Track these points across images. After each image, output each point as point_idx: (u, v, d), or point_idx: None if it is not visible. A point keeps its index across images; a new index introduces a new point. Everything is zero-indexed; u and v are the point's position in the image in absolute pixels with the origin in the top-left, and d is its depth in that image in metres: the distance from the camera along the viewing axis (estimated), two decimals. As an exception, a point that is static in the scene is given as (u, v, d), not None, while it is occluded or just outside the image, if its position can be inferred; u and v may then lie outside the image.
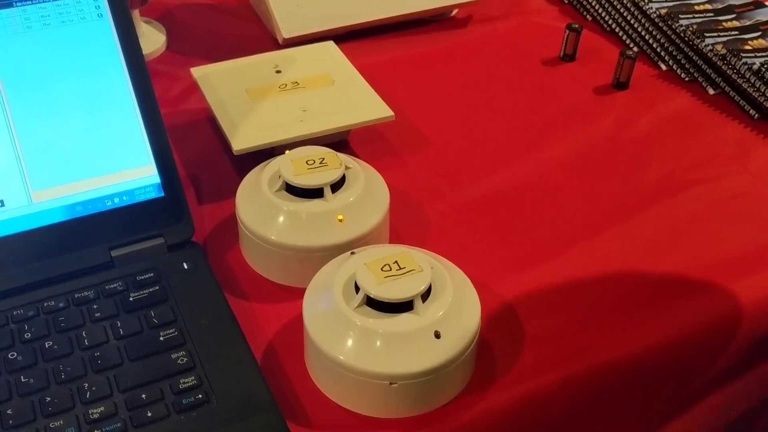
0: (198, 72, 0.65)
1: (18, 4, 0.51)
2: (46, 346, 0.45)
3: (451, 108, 0.69)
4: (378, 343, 0.42)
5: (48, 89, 0.51)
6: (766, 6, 0.78)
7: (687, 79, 0.72)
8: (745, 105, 0.68)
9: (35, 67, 0.51)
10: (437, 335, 0.43)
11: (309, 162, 0.52)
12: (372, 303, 0.44)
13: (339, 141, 0.62)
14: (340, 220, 0.50)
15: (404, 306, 0.43)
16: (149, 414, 0.42)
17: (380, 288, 0.43)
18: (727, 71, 0.68)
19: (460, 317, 0.44)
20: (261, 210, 0.52)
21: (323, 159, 0.53)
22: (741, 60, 0.68)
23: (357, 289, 0.44)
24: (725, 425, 0.53)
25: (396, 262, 0.45)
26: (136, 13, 0.73)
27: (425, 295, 0.44)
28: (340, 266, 0.46)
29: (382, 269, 0.44)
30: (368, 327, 0.43)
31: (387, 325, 0.43)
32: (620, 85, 0.71)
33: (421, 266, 0.44)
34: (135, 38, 0.53)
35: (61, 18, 0.52)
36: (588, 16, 0.81)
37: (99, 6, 0.53)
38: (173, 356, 0.45)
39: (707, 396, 0.52)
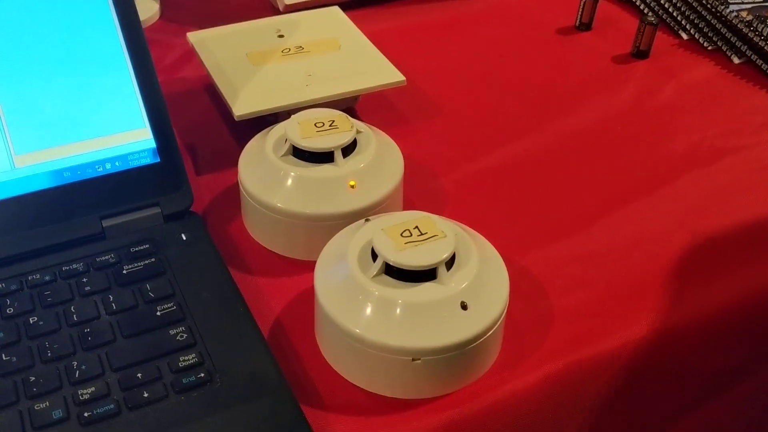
0: (195, 37, 0.60)
1: (0, -48, 0.47)
2: (31, 322, 0.41)
3: (462, 77, 0.65)
4: (398, 314, 0.38)
5: (33, 46, 0.46)
6: (789, -25, 0.75)
7: (710, 48, 0.68)
8: (773, 74, 0.64)
9: (19, 23, 0.46)
10: (464, 306, 0.39)
11: (318, 125, 0.48)
12: (391, 271, 0.39)
13: (346, 109, 0.58)
14: (352, 187, 0.46)
15: (427, 275, 0.39)
16: (145, 395, 0.38)
17: (400, 255, 0.39)
18: (754, 38, 0.65)
19: (488, 288, 0.40)
20: (266, 176, 0.47)
21: (333, 121, 0.48)
22: (768, 26, 0.64)
23: (374, 256, 0.40)
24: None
25: (417, 227, 0.41)
26: (127, -23, 0.68)
27: (449, 263, 0.40)
28: (355, 233, 0.42)
29: (401, 235, 0.40)
30: (388, 297, 0.39)
31: (408, 294, 0.39)
32: (640, 53, 0.67)
33: (444, 232, 0.40)
34: (128, -8, 0.49)
35: (47, -31, 0.48)
36: (603, -14, 0.77)
37: (88, -44, 0.49)
38: (171, 332, 0.41)
39: (749, 372, 0.48)
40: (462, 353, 0.38)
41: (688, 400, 0.48)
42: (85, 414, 0.37)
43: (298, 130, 0.48)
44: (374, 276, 0.39)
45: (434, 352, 0.38)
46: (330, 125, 0.48)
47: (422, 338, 0.38)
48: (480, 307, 0.39)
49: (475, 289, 0.39)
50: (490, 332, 0.39)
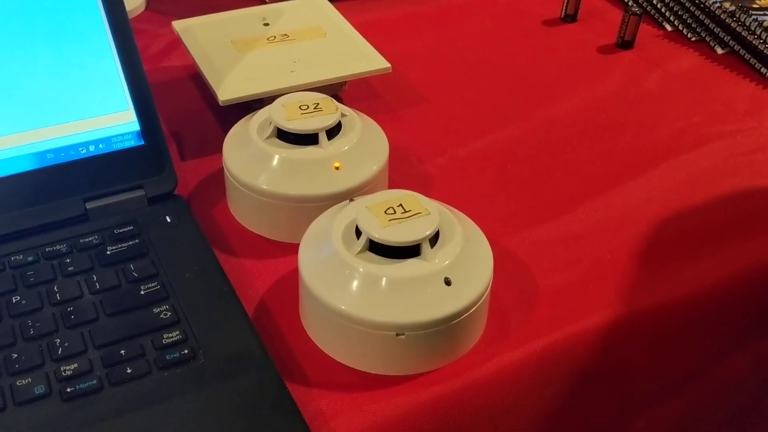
0: (180, 25, 0.60)
1: (-17, -66, 0.47)
2: (13, 301, 0.41)
3: (448, 67, 0.65)
4: (383, 290, 0.38)
5: (17, 27, 0.46)
6: (771, -32, 0.75)
7: (693, 39, 0.69)
8: (756, 63, 0.65)
9: (2, 4, 0.46)
10: (447, 282, 0.39)
11: (302, 107, 0.48)
12: (375, 248, 0.39)
13: (332, 96, 0.58)
14: (337, 168, 0.46)
15: (411, 251, 0.39)
16: (128, 371, 0.37)
17: (384, 231, 0.39)
18: (736, 28, 0.65)
19: (472, 264, 0.40)
20: (250, 158, 0.47)
21: (318, 104, 0.48)
22: (751, 16, 0.65)
23: (358, 234, 0.40)
24: (752, 384, 0.50)
25: (401, 205, 0.41)
26: (113, -32, 0.68)
27: (433, 239, 0.40)
28: (339, 212, 0.42)
29: (385, 212, 0.40)
30: (372, 273, 0.39)
31: (392, 270, 0.39)
32: (625, 44, 0.67)
33: (428, 210, 0.41)
34: (112, -25, 0.49)
35: (32, -49, 0.48)
36: (587, -21, 0.78)
37: (73, -60, 0.48)
38: (155, 311, 0.41)
39: (733, 354, 0.48)
40: (446, 328, 0.38)
41: (671, 382, 0.48)
42: (68, 389, 0.36)
43: (282, 113, 0.48)
44: (358, 252, 0.39)
45: (418, 327, 0.38)
46: (315, 108, 0.48)
47: (406, 313, 0.38)
48: (464, 283, 0.39)
49: (458, 265, 0.39)
50: (474, 308, 0.39)
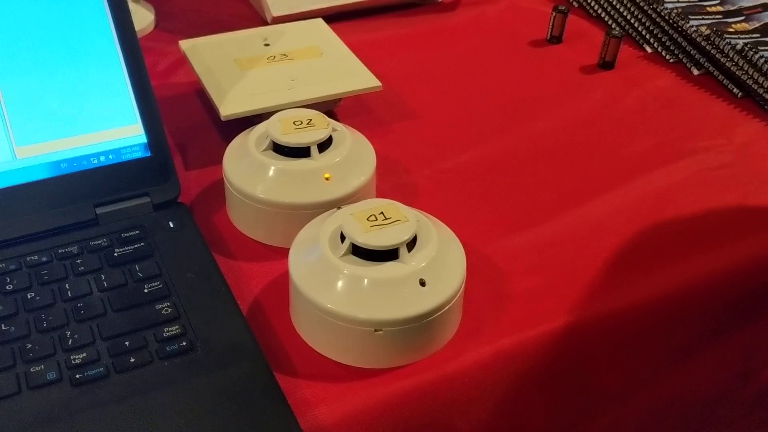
0: (186, 44, 0.65)
1: (6, -39, 0.51)
2: (28, 297, 0.45)
3: (438, 85, 0.69)
4: (364, 290, 0.42)
5: (35, 46, 0.51)
6: (749, -8, 0.79)
7: (672, 60, 0.73)
8: (728, 84, 0.68)
9: (21, 24, 0.51)
10: (422, 283, 0.43)
11: (296, 123, 0.52)
12: (358, 252, 0.43)
13: (327, 112, 0.62)
14: (327, 179, 0.50)
15: (390, 254, 0.43)
16: (132, 360, 0.41)
17: (366, 236, 0.43)
18: (711, 51, 0.69)
19: (445, 267, 0.44)
20: (248, 169, 0.51)
21: (311, 120, 0.53)
22: (725, 40, 0.68)
23: (343, 239, 0.44)
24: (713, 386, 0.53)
25: (382, 212, 0.45)
26: (125, -10, 0.73)
27: (411, 244, 0.44)
28: (327, 219, 0.46)
29: (368, 219, 0.44)
30: (354, 274, 0.42)
31: (373, 272, 0.42)
32: (606, 64, 0.71)
33: (407, 217, 0.44)
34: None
35: (50, -23, 0.52)
36: (574, 2, 0.82)
37: (88, -33, 0.53)
38: (157, 307, 0.45)
39: (694, 355, 0.52)
40: (420, 325, 0.42)
41: (634, 381, 0.51)
42: (77, 376, 0.40)
43: (278, 128, 0.52)
44: (342, 255, 0.43)
45: (395, 323, 0.42)
46: (308, 123, 0.52)
47: (384, 311, 0.42)
48: (437, 284, 0.43)
49: (433, 267, 0.43)
50: (447, 307, 0.43)
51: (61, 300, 0.45)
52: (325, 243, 0.44)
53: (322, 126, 0.52)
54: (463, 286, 0.45)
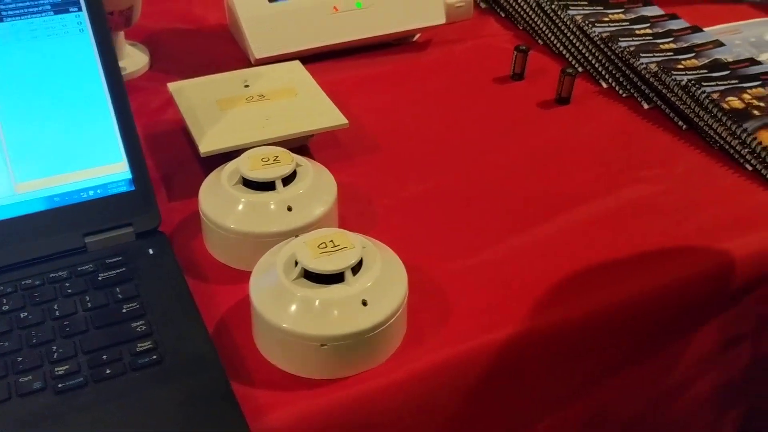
0: (174, 86, 0.71)
1: (8, 19, 0.58)
2: (21, 316, 0.51)
3: (406, 121, 0.75)
4: (313, 310, 0.48)
5: (33, 93, 0.57)
6: (702, 31, 0.85)
7: (624, 95, 0.78)
8: (674, 117, 0.74)
9: (23, 73, 0.57)
10: (364, 303, 0.48)
11: (264, 159, 0.58)
12: (309, 276, 0.49)
13: (300, 146, 0.68)
14: (290, 210, 0.56)
15: (337, 278, 0.49)
16: (108, 371, 0.47)
17: (315, 261, 0.49)
18: (659, 87, 0.74)
19: (388, 288, 0.50)
20: (220, 202, 0.57)
21: (277, 156, 0.59)
22: (671, 76, 0.74)
23: (297, 264, 0.50)
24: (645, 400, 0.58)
25: (332, 240, 0.50)
26: (120, 36, 0.80)
27: (356, 268, 0.49)
28: (284, 246, 0.52)
29: (318, 246, 0.50)
30: (304, 296, 0.48)
31: (321, 293, 0.48)
32: (562, 100, 0.77)
33: (353, 244, 0.50)
34: (112, 51, 0.60)
35: (47, 32, 0.59)
36: (539, 40, 0.87)
37: (80, 22, 0.59)
38: (133, 325, 0.50)
39: (627, 366, 0.57)
40: (362, 340, 0.48)
41: (570, 389, 0.56)
42: (59, 385, 0.46)
43: (247, 164, 0.58)
44: (295, 279, 0.49)
45: (338, 339, 0.47)
46: (274, 160, 0.58)
47: (329, 328, 0.47)
48: (379, 304, 0.48)
49: (376, 289, 0.49)
50: (387, 324, 0.48)
51: (50, 318, 0.51)
52: (281, 268, 0.50)
53: (287, 162, 0.58)
54: (404, 304, 0.50)
